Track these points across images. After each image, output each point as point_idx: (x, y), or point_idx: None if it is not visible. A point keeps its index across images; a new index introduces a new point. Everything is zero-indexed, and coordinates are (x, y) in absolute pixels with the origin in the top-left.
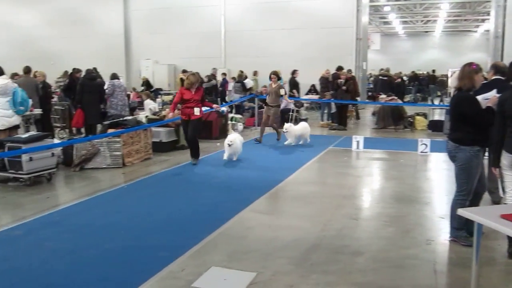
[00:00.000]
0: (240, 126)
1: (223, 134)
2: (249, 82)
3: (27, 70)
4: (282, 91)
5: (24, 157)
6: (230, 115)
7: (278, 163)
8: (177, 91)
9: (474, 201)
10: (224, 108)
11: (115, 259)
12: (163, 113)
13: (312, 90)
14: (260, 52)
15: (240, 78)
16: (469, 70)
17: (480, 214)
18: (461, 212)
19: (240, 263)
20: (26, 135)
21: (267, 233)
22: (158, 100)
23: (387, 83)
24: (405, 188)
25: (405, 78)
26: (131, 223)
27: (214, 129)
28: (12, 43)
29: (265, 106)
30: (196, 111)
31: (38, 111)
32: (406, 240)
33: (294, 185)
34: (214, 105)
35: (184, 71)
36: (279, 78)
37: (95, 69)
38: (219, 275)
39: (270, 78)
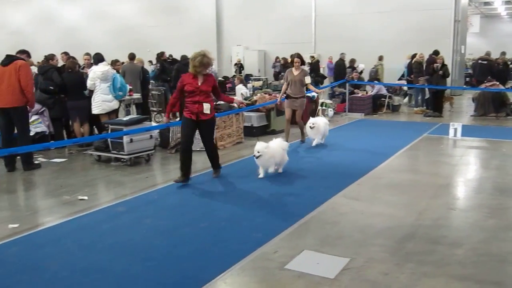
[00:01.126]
0: (330, 111)
1: None
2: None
3: (132, 56)
4: (307, 79)
5: (126, 139)
6: (321, 101)
7: (370, 150)
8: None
9: None
10: (315, 94)
11: (210, 237)
12: (254, 98)
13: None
14: (350, 36)
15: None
16: None
17: None
18: None
19: (332, 248)
20: (127, 118)
21: (360, 219)
22: (249, 85)
23: (487, 68)
24: (509, 179)
25: (509, 62)
26: (224, 204)
27: (305, 114)
28: (111, 32)
29: (287, 99)
30: (206, 108)
31: (137, 95)
32: (510, 234)
33: (387, 172)
34: (236, 99)
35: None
36: (303, 63)
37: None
38: (311, 258)
39: (293, 63)
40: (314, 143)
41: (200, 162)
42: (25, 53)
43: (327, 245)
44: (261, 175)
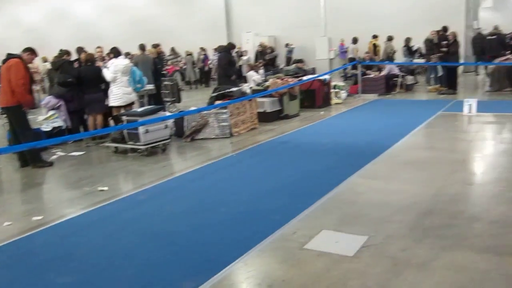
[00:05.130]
0: (343, 93)
1: (327, 102)
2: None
3: (143, 47)
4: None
5: (141, 129)
6: (333, 83)
7: (386, 129)
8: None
9: None
10: (327, 76)
11: (230, 221)
12: (266, 83)
13: (418, 53)
14: (361, 17)
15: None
16: None
17: None
18: None
19: (351, 227)
20: (142, 109)
21: (377, 198)
22: (261, 71)
23: (496, 42)
24: None
25: None
26: (242, 189)
27: (318, 97)
28: (123, 25)
29: None
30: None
31: (150, 86)
32: None
33: (404, 150)
34: None
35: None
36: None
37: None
38: (330, 237)
39: None
40: None
41: (215, 149)
42: (28, 50)
43: (345, 224)
44: None
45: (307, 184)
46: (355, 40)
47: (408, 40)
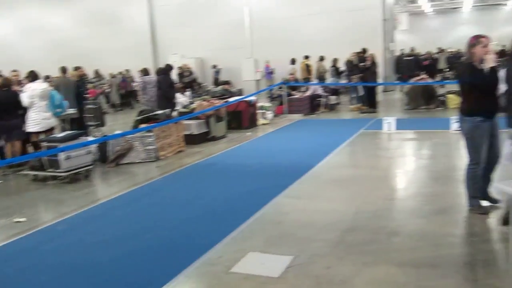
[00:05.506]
0: (270, 114)
1: (253, 123)
2: None
3: (64, 70)
4: None
5: (62, 155)
6: (260, 104)
7: (311, 148)
8: None
9: (488, 171)
10: (253, 97)
11: (156, 248)
12: (193, 106)
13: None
14: (286, 39)
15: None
16: (468, 44)
17: None
18: (496, 186)
19: (277, 248)
20: (62, 134)
21: (302, 217)
22: (187, 93)
23: (413, 63)
24: (440, 167)
25: (436, 56)
26: (169, 214)
27: (244, 118)
28: (45, 46)
29: None
30: None
31: (72, 110)
32: (443, 218)
33: (327, 169)
34: None
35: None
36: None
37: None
38: (256, 259)
39: None
40: None
41: (141, 174)
42: None
43: (271, 245)
44: None
45: (233, 206)
46: (293, 61)
47: (335, 60)
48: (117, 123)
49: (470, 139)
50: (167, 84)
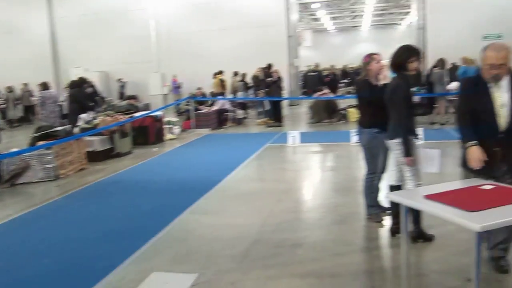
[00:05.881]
0: (177, 129)
1: (160, 138)
2: None
3: None
4: None
5: None
6: (167, 119)
7: (218, 163)
8: None
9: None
10: (160, 112)
11: (54, 273)
12: (95, 121)
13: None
14: (194, 54)
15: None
16: (363, 62)
17: (406, 197)
18: (389, 195)
19: (181, 266)
20: None
21: (208, 233)
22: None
23: (317, 78)
24: (341, 179)
25: (337, 72)
26: (68, 236)
27: (151, 134)
28: None
29: None
30: None
31: None
32: (343, 228)
33: (233, 183)
34: None
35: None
36: None
37: None
38: (160, 279)
39: None
40: None
41: (39, 194)
42: None
43: (176, 263)
44: None
45: (138, 224)
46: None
47: (244, 75)
48: (14, 140)
49: (367, 150)
50: (82, 96)
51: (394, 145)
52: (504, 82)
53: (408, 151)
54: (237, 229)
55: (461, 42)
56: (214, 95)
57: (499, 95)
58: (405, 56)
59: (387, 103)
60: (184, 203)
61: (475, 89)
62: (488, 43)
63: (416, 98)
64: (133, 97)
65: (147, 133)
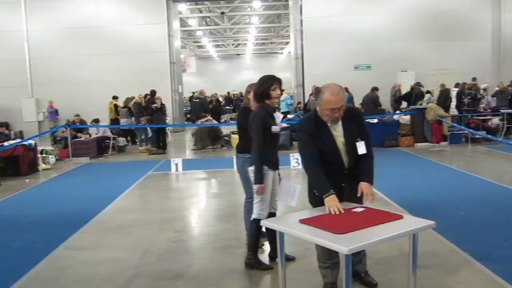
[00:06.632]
0: (52, 158)
1: (34, 168)
2: None
3: None
4: None
5: None
6: (41, 148)
7: (96, 193)
8: None
9: None
10: (32, 141)
11: None
12: None
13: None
14: (71, 79)
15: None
16: (246, 91)
17: (280, 223)
18: (263, 223)
19: None
20: None
21: (83, 270)
22: None
23: (200, 105)
24: (224, 205)
25: (221, 99)
26: None
27: (22, 164)
28: None
29: None
30: None
31: None
32: (225, 256)
33: (112, 215)
34: None
35: (115, 97)
36: None
37: None
38: None
39: None
40: None
41: None
42: None
43: None
44: None
45: (5, 264)
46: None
47: (127, 101)
48: None
49: (242, 175)
50: None
51: (251, 172)
52: (339, 121)
53: (260, 179)
54: (115, 263)
55: (335, 71)
56: (112, 120)
57: (338, 134)
58: (267, 84)
59: (249, 130)
60: (57, 238)
61: (317, 130)
62: (358, 72)
63: (277, 128)
64: (3, 125)
65: (18, 163)
